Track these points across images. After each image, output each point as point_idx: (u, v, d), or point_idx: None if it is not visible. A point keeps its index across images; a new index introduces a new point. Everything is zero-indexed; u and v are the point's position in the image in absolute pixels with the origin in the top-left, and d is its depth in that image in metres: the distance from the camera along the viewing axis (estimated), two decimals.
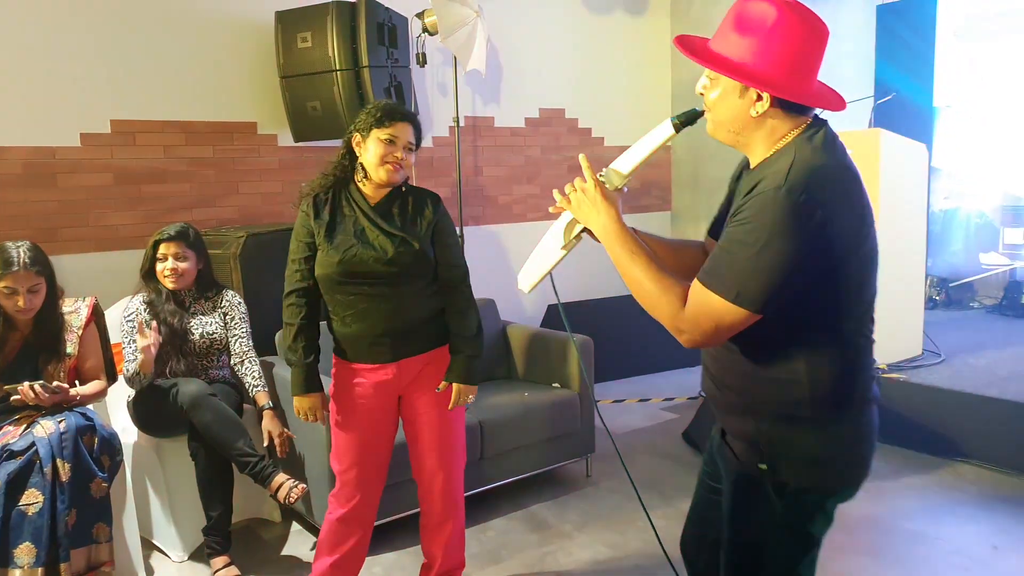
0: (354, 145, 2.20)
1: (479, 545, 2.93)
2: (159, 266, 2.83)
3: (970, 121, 5.82)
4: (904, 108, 5.38)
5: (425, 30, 3.81)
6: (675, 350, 1.74)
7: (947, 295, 5.81)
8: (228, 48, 3.88)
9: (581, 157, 1.53)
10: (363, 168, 2.20)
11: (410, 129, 2.18)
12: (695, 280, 1.34)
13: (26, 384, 2.32)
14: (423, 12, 3.79)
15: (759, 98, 1.34)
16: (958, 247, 5.97)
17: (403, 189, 2.27)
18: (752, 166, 1.43)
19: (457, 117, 4.04)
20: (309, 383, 2.25)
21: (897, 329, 4.07)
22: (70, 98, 3.47)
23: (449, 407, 2.30)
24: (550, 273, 1.59)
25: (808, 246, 1.26)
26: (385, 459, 2.35)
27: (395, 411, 2.33)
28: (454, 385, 2.28)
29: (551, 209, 1.55)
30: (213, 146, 3.90)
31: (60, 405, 2.42)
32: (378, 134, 2.15)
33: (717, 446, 1.59)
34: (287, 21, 3.76)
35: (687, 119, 1.44)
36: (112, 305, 3.08)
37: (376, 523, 2.45)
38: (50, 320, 2.49)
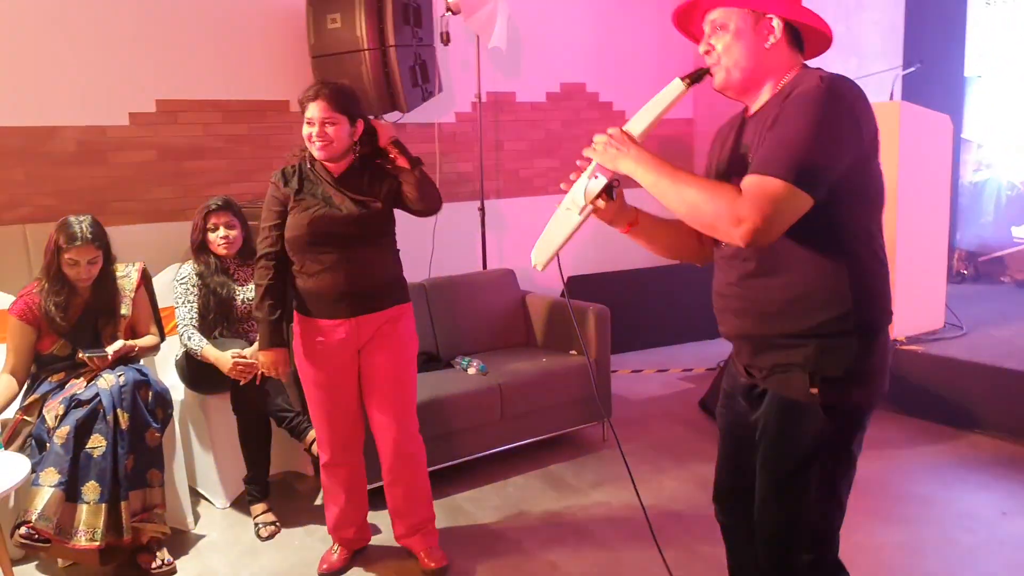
0: None
1: (500, 499, 3.13)
2: (211, 236, 3.03)
3: (1003, 91, 5.75)
4: (934, 79, 5.35)
5: (448, 9, 3.94)
6: (696, 320, 1.78)
7: (976, 269, 5.79)
8: (263, 30, 4.06)
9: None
10: None
11: (321, 105, 2.27)
12: (747, 175, 1.37)
13: (88, 354, 2.58)
14: None
15: (770, 29, 1.46)
16: (988, 219, 5.93)
17: (361, 165, 2.40)
18: (754, 110, 1.53)
19: (479, 94, 4.17)
20: (273, 338, 2.43)
21: (918, 302, 4.10)
22: (119, 80, 3.69)
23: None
24: (563, 246, 1.58)
25: (850, 134, 1.36)
26: (354, 409, 2.52)
27: (356, 366, 2.48)
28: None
29: (562, 185, 1.60)
30: (248, 124, 4.10)
31: (123, 359, 2.67)
32: (305, 118, 2.33)
33: (743, 390, 1.63)
34: (318, 3, 3.91)
35: (695, 76, 1.52)
36: (158, 272, 3.31)
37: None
38: (107, 286, 2.72)
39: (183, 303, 2.97)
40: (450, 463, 3.20)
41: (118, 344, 2.64)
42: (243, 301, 3.06)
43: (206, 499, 3.16)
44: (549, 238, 1.59)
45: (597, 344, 3.57)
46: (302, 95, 2.33)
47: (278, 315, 2.42)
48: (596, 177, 1.55)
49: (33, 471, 2.38)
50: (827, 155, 1.35)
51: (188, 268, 3.04)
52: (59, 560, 2.62)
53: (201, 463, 3.14)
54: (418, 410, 2.61)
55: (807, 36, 1.53)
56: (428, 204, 2.42)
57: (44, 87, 3.52)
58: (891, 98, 4.18)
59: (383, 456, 2.55)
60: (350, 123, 2.33)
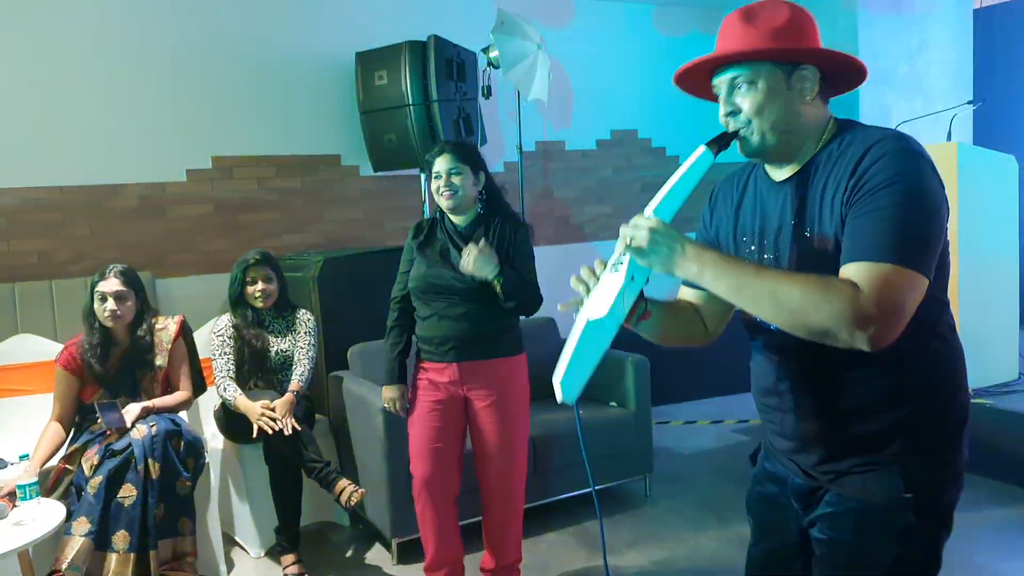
0: None
1: (529, 556, 3.05)
2: (248, 289, 3.13)
3: None
4: (1005, 118, 5.10)
5: (490, 63, 4.02)
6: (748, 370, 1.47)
7: None
8: (314, 87, 4.24)
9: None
10: None
11: (447, 159, 2.46)
12: (848, 265, 1.15)
13: (107, 424, 2.65)
14: (488, 47, 4.01)
15: (803, 84, 1.28)
16: None
17: (489, 214, 2.53)
18: (790, 173, 1.33)
19: (520, 145, 4.23)
20: (392, 374, 2.60)
21: (988, 351, 3.87)
22: (177, 138, 3.92)
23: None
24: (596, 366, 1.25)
25: (944, 198, 1.19)
26: (453, 455, 2.57)
27: (462, 415, 2.57)
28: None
29: (574, 284, 1.29)
30: (301, 177, 4.26)
31: (149, 412, 2.76)
32: (432, 174, 2.49)
33: (797, 492, 1.40)
34: (366, 60, 4.07)
35: (722, 142, 1.30)
36: (210, 321, 3.43)
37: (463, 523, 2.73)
38: (143, 337, 2.83)
39: (220, 354, 3.07)
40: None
41: (136, 409, 2.70)
42: (277, 353, 3.14)
43: (241, 546, 3.21)
44: (582, 361, 1.23)
45: (636, 395, 3.48)
46: (429, 155, 2.53)
47: (398, 353, 2.60)
48: (634, 278, 1.24)
49: (68, 519, 2.48)
50: (933, 224, 1.17)
51: (225, 320, 3.14)
52: None
53: (237, 511, 3.20)
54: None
55: (832, 78, 1.35)
56: (517, 310, 2.52)
57: (108, 147, 3.77)
58: (948, 139, 4.00)
59: (487, 502, 2.64)
60: (473, 174, 2.49)
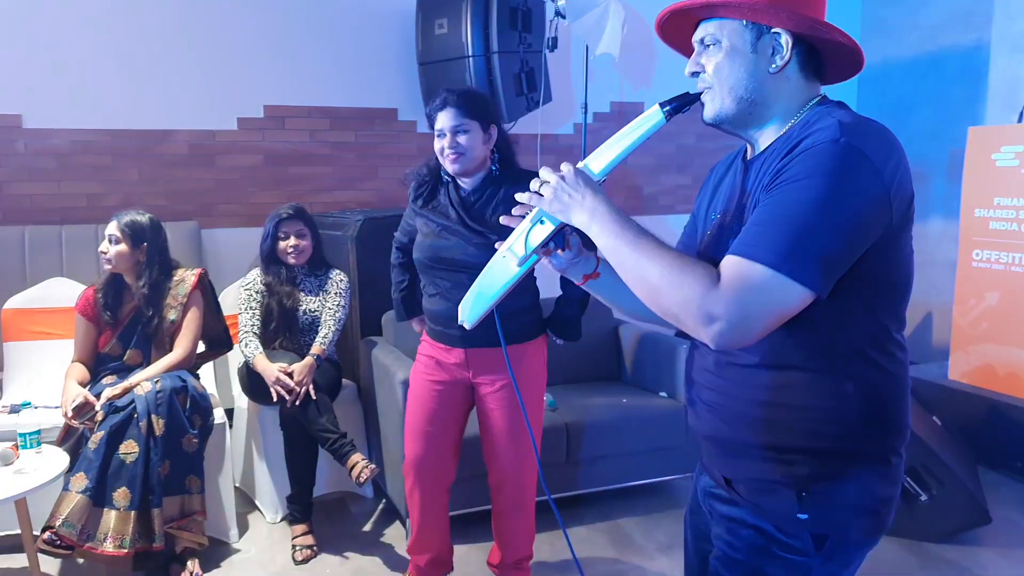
0: None
1: (552, 551, 2.82)
2: (281, 244, 3.00)
3: None
4: None
5: (557, 13, 3.68)
6: None
7: None
8: (372, 36, 4.02)
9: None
10: None
11: (451, 113, 2.13)
12: (727, 256, 1.06)
13: (79, 422, 2.53)
14: None
15: (775, 49, 1.14)
16: None
17: (502, 176, 2.22)
18: (755, 152, 1.22)
19: (586, 105, 3.88)
20: (403, 312, 2.54)
21: None
22: (229, 85, 3.80)
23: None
24: (499, 301, 1.29)
25: (873, 208, 1.03)
26: (448, 440, 2.34)
27: (465, 400, 2.33)
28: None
29: (502, 219, 1.29)
30: (355, 131, 4.08)
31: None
32: (435, 131, 2.17)
33: (703, 493, 1.33)
34: (426, 7, 3.81)
35: (679, 103, 1.19)
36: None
37: (454, 513, 2.52)
38: (156, 289, 2.74)
39: (245, 309, 2.96)
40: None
41: (104, 397, 2.55)
42: (306, 312, 3.00)
43: (260, 511, 3.13)
44: (482, 290, 1.28)
45: None
46: (429, 108, 2.21)
47: (405, 292, 2.50)
48: (543, 222, 1.23)
49: (69, 471, 2.42)
50: (839, 238, 1.02)
51: (254, 274, 3.02)
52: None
53: (257, 474, 3.11)
54: (468, 447, 2.41)
55: (829, 58, 1.18)
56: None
57: (160, 92, 3.68)
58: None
59: (496, 493, 2.40)
60: (483, 129, 2.16)
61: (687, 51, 1.26)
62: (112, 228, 2.71)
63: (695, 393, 1.28)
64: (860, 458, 1.14)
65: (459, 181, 2.23)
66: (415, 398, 2.34)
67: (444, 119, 2.14)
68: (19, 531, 2.42)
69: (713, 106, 1.19)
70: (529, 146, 4.27)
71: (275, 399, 2.77)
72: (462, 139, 2.12)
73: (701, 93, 1.20)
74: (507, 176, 2.22)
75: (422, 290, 2.36)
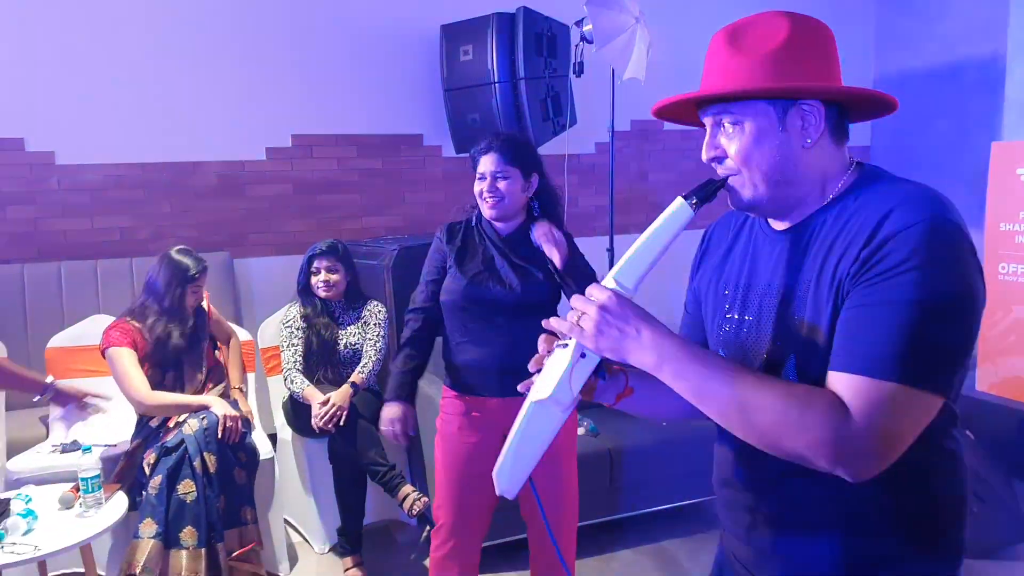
0: None
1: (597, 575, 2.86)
2: (313, 279, 3.04)
3: None
4: None
5: (583, 38, 3.72)
6: None
7: None
8: (397, 63, 4.05)
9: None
10: None
11: (493, 158, 2.11)
12: (839, 375, 0.91)
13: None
14: (582, 20, 3.70)
15: (805, 122, 1.01)
16: None
17: (535, 217, 2.21)
18: (791, 223, 1.08)
19: (612, 124, 3.91)
20: (399, 391, 2.20)
21: None
22: (257, 116, 3.83)
23: None
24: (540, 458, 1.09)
25: (980, 283, 0.93)
26: (486, 503, 2.24)
27: (500, 450, 2.25)
28: None
29: (531, 366, 1.11)
30: (382, 158, 4.11)
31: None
32: (476, 173, 2.17)
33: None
34: (451, 34, 3.85)
35: (704, 193, 1.05)
36: (285, 305, 3.34)
37: (487, 544, 2.42)
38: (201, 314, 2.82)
39: (287, 346, 2.99)
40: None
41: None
42: (346, 345, 3.02)
43: (307, 541, 3.15)
44: (521, 450, 1.08)
45: None
46: (474, 149, 2.19)
47: (412, 367, 2.23)
48: (584, 355, 1.04)
49: (132, 509, 2.45)
50: (961, 331, 0.92)
51: (294, 310, 3.06)
52: None
53: (304, 505, 3.14)
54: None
55: (853, 109, 1.07)
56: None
57: (189, 124, 3.72)
58: None
59: (535, 549, 2.32)
60: (523, 177, 2.15)
61: (685, 120, 1.16)
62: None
63: (738, 500, 1.13)
64: (933, 558, 1.03)
65: (495, 225, 2.20)
66: (446, 462, 2.22)
67: (486, 163, 2.12)
68: (82, 570, 2.44)
69: (746, 193, 1.06)
70: (555, 167, 4.30)
71: (317, 430, 2.81)
72: (501, 184, 2.11)
73: (726, 179, 1.07)
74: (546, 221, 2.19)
75: (444, 343, 2.23)
